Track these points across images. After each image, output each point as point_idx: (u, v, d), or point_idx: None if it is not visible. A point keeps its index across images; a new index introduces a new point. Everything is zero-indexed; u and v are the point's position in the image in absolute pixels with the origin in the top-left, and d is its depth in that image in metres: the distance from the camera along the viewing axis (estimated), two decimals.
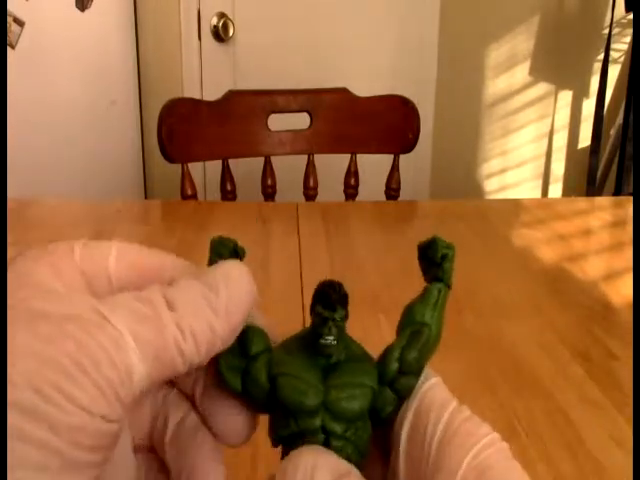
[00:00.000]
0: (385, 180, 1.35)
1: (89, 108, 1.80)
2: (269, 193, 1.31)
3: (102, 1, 1.76)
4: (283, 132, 1.30)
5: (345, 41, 2.04)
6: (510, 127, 2.24)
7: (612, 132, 2.18)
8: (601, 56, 2.10)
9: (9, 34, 1.54)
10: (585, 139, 2.24)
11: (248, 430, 0.23)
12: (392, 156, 1.33)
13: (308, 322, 0.22)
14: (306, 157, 1.31)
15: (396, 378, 0.22)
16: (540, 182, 2.31)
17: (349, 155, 1.33)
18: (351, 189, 1.34)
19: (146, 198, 2.03)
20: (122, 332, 0.18)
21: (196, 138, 1.25)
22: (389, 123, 1.33)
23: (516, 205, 1.11)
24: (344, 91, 1.33)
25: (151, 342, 0.18)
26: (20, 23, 1.56)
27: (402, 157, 1.34)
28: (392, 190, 1.35)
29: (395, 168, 1.34)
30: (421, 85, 2.08)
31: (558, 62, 2.18)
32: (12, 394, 0.16)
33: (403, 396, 0.22)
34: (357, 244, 0.87)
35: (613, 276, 0.79)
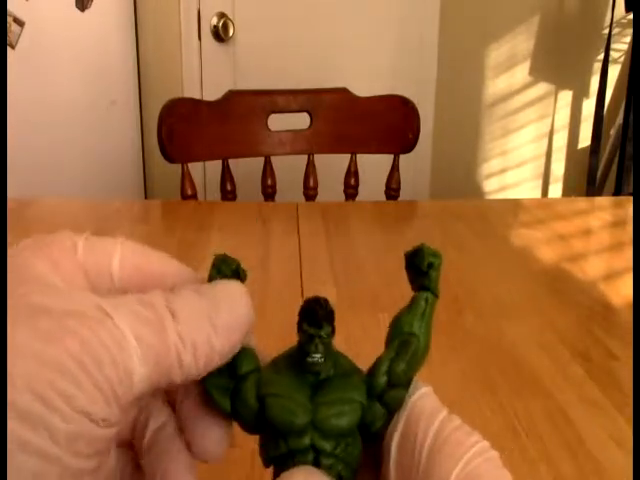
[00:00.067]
0: (385, 180, 1.35)
1: (89, 108, 1.80)
2: (269, 193, 1.31)
3: (102, 1, 1.76)
4: (283, 132, 1.30)
5: (345, 41, 2.04)
6: (510, 127, 2.24)
7: (612, 132, 2.18)
8: (601, 56, 2.10)
9: (9, 34, 1.54)
10: (585, 139, 2.24)
11: (221, 448, 0.22)
12: (392, 156, 1.33)
13: None
14: (306, 157, 1.32)
15: (385, 391, 0.22)
16: (540, 182, 2.31)
17: (349, 155, 1.33)
18: (351, 189, 1.34)
19: (146, 198, 2.03)
20: (125, 332, 0.18)
21: (196, 138, 1.25)
22: (389, 123, 1.33)
23: (516, 205, 1.11)
24: (344, 91, 1.33)
25: (153, 346, 0.18)
26: (20, 23, 1.56)
27: (402, 157, 1.34)
28: (392, 190, 1.35)
29: (395, 168, 1.34)
30: (421, 85, 2.08)
31: (558, 62, 2.19)
32: (12, 398, 0.16)
33: (393, 409, 0.22)
34: (357, 244, 0.87)
35: (613, 276, 0.79)
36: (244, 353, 0.22)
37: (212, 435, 0.22)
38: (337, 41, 2.03)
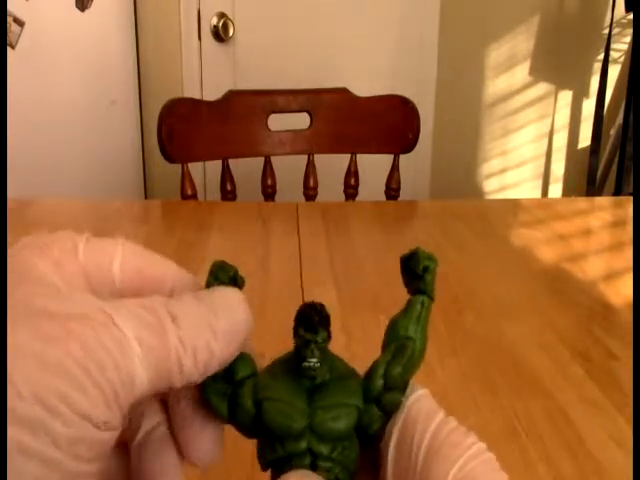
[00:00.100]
0: (385, 180, 1.35)
1: (89, 108, 1.80)
2: (269, 193, 1.31)
3: (102, 1, 1.76)
4: (283, 132, 1.30)
5: (345, 41, 2.04)
6: (510, 127, 2.24)
7: (612, 132, 2.18)
8: (601, 56, 2.10)
9: (9, 34, 1.54)
10: (585, 139, 2.24)
11: (214, 453, 0.23)
12: (392, 156, 1.33)
13: None
14: (306, 157, 1.32)
15: (382, 394, 0.22)
16: (540, 182, 2.31)
17: (349, 155, 1.33)
18: (351, 189, 1.34)
19: (146, 198, 2.03)
20: (127, 335, 0.18)
21: (196, 138, 1.25)
22: (389, 123, 1.33)
23: (516, 205, 1.11)
24: (344, 91, 1.33)
25: (154, 350, 0.18)
26: (20, 23, 1.56)
27: (402, 157, 1.34)
28: (392, 190, 1.35)
29: (395, 168, 1.34)
30: (421, 85, 2.08)
31: (558, 62, 2.19)
32: (14, 403, 0.15)
33: (389, 412, 0.22)
34: (357, 244, 0.87)
35: (613, 276, 0.79)
36: (241, 358, 0.22)
37: (205, 439, 0.22)
38: (337, 41, 2.03)
